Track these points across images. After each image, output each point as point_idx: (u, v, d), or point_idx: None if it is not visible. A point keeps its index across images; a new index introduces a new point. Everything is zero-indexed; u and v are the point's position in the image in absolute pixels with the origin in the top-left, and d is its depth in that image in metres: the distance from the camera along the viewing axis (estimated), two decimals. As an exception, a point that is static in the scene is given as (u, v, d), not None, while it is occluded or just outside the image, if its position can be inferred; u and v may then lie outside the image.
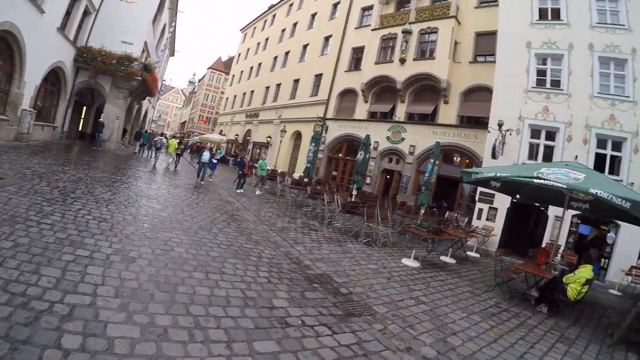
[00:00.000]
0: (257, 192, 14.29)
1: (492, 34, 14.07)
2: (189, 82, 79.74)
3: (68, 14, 15.75)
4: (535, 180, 6.04)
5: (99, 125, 18.52)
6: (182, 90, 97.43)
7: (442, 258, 8.63)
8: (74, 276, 3.48)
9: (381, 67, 17.76)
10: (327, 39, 23.28)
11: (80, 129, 23.39)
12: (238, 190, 13.46)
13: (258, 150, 28.99)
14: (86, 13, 17.66)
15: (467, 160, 14.67)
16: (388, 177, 17.73)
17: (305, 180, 15.75)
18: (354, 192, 12.82)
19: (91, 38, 18.29)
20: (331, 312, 4.13)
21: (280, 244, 6.83)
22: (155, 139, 20.57)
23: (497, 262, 7.04)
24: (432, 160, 12.13)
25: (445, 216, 13.27)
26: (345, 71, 20.18)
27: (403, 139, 16.34)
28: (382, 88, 18.18)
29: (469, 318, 4.98)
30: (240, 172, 13.97)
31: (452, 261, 8.60)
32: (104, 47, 17.88)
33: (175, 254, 4.92)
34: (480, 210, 12.11)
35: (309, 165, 16.62)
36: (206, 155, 13.71)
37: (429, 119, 16.20)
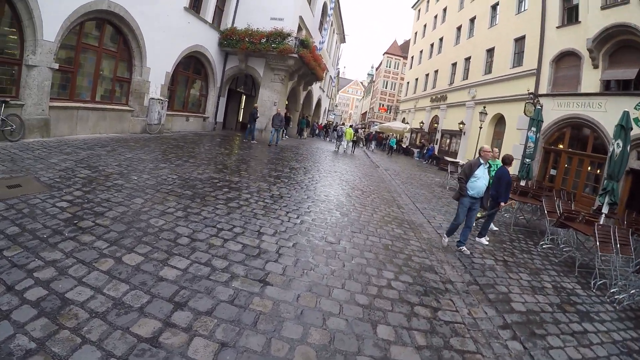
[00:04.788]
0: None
1: None
2: (368, 74, 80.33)
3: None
4: None
5: (250, 114, 16.65)
6: (361, 82, 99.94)
7: None
8: None
9: (612, 12, 11.97)
10: (522, -10, 18.08)
11: (241, 119, 23.49)
12: (486, 240, 6.76)
13: (448, 140, 25.56)
14: (225, -6, 16.91)
15: None
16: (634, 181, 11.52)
17: (522, 184, 11.99)
18: (604, 210, 8.48)
19: (237, 20, 17.49)
20: None
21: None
22: (337, 128, 24.41)
23: None
24: None
25: None
26: (557, 27, 14.75)
27: (664, 120, 10.60)
28: (618, 44, 12.23)
29: None
30: (494, 203, 6.63)
31: None
32: (250, 26, 16.73)
33: None
34: None
35: (528, 161, 12.46)
36: (481, 178, 5.69)
37: None
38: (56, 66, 8.75)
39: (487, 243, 6.67)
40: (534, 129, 13.23)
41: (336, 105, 75.72)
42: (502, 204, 6.54)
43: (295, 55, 16.76)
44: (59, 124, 9.31)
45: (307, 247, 4.80)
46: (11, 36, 8.12)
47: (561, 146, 14.54)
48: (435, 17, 31.31)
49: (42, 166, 6.23)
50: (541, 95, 14.98)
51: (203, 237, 4.44)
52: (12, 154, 6.79)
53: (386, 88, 55.79)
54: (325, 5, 25.32)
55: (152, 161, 8.26)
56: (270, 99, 17.82)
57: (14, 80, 8.24)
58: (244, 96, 23.22)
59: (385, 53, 56.31)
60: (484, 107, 18.34)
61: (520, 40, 17.59)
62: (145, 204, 5.26)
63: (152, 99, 12.66)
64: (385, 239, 5.82)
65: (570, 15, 14.45)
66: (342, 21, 34.36)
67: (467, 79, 23.21)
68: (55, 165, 6.42)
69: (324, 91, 36.34)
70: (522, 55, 17.15)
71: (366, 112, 70.30)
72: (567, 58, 14.38)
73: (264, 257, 4.17)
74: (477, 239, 6.75)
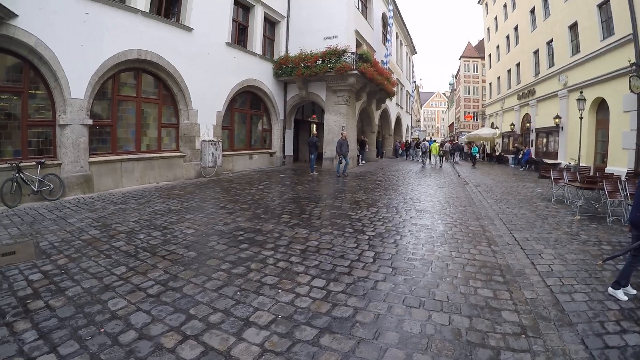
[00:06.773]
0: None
1: None
2: (449, 84, 76.41)
3: (243, 28, 14.81)
4: None
5: (309, 143, 15.33)
6: (443, 93, 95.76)
7: None
8: None
9: None
10: (599, -53, 15.14)
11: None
12: (624, 294, 4.03)
13: (544, 139, 21.98)
14: (272, 23, 16.73)
15: None
16: None
17: None
18: None
19: (290, 46, 17.03)
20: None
21: None
22: (420, 145, 24.98)
23: None
24: None
25: None
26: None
27: None
28: None
29: None
30: None
31: None
32: (303, 50, 16.00)
33: None
34: None
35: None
36: None
37: None
38: (90, 122, 8.95)
39: (626, 298, 4.01)
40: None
41: (418, 121, 72.76)
42: None
43: (356, 72, 15.65)
44: (102, 179, 9.49)
45: (311, 352, 2.89)
46: (42, 99, 8.58)
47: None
48: (505, 5, 28.60)
49: (54, 228, 6.21)
50: (646, 64, 11.87)
51: (157, 331, 3.15)
52: (37, 215, 6.99)
53: (468, 94, 52.10)
54: (384, 16, 24.23)
55: (179, 212, 7.70)
56: (337, 123, 16.76)
57: (50, 141, 8.66)
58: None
59: (462, 57, 53.06)
60: (581, 93, 15.22)
61: (604, 5, 14.56)
62: (124, 275, 4.40)
63: (204, 141, 12.33)
64: (460, 316, 3.52)
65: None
66: (407, 31, 32.98)
67: (553, 65, 20.13)
68: (69, 226, 6.36)
69: (402, 108, 34.64)
70: (611, 22, 14.08)
71: (453, 123, 66.23)
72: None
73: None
74: (610, 289, 4.15)
